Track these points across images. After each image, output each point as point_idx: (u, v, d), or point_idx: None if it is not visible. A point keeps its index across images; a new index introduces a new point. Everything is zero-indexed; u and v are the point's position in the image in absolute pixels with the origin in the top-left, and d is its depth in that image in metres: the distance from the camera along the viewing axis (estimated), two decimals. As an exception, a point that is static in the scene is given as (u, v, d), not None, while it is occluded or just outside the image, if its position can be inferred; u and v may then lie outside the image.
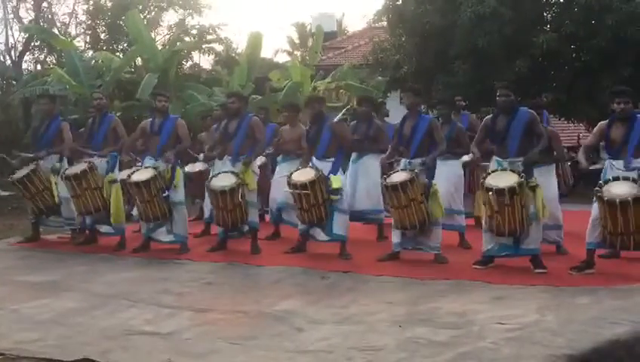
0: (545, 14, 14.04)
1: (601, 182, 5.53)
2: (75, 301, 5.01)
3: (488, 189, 5.61)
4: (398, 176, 6.19)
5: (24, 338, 4.11)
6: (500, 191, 5.55)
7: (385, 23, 18.28)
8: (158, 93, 7.36)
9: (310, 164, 6.65)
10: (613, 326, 4.02)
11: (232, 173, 6.68)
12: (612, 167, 5.63)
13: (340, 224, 6.50)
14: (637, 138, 5.55)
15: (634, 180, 5.36)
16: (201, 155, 8.32)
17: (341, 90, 14.60)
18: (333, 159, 6.63)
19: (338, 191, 6.43)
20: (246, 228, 6.93)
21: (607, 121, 5.78)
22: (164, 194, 6.69)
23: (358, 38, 23.80)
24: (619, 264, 5.98)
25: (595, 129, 5.93)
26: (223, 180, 6.62)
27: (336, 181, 6.46)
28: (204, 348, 3.89)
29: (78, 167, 6.99)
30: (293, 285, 5.55)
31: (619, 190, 5.33)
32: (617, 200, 5.21)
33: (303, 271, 5.99)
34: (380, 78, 15.25)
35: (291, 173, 6.51)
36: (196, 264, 6.36)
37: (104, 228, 7.26)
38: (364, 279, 5.68)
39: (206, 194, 7.17)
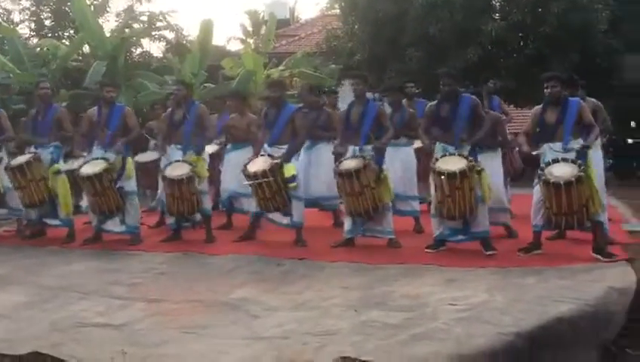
0: (493, 3, 14.29)
1: (542, 165, 5.70)
2: (23, 294, 4.89)
3: (440, 173, 5.71)
4: (351, 163, 6.23)
5: (-30, 334, 4.00)
6: (451, 175, 5.66)
7: (338, 11, 18.29)
8: (106, 84, 7.21)
9: (262, 152, 6.63)
10: (558, 304, 4.16)
11: (186, 161, 6.61)
12: (550, 149, 5.79)
13: (296, 211, 6.52)
14: (572, 120, 5.74)
15: (572, 161, 5.55)
16: (152, 143, 8.21)
17: (295, 78, 14.55)
18: (285, 146, 6.61)
19: (293, 178, 6.45)
20: (199, 217, 6.87)
21: (540, 106, 5.95)
22: (116, 186, 6.57)
23: (311, 25, 23.72)
24: (564, 245, 6.19)
25: (531, 114, 6.11)
26: (177, 169, 6.54)
27: (289, 169, 6.47)
28: (157, 338, 3.86)
29: (22, 158, 6.78)
30: (249, 273, 5.54)
31: (560, 171, 5.50)
32: (561, 182, 5.38)
33: (258, 258, 5.99)
34: (333, 65, 15.24)
35: (245, 165, 6.47)
36: (149, 254, 6.28)
37: (52, 221, 7.07)
38: (319, 265, 5.72)
39: (159, 184, 7.08)
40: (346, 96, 9.84)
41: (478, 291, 4.64)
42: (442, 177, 5.68)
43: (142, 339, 3.85)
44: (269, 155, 6.49)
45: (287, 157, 6.51)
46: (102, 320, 4.24)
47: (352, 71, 14.18)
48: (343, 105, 8.45)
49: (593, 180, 5.63)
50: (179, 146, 6.79)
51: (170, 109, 7.08)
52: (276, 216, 6.67)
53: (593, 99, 6.78)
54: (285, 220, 6.62)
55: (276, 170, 6.31)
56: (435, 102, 6.27)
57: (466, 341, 3.55)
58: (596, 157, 6.32)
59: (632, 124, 12.85)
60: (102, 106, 6.86)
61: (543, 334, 3.77)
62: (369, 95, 8.69)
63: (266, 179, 6.26)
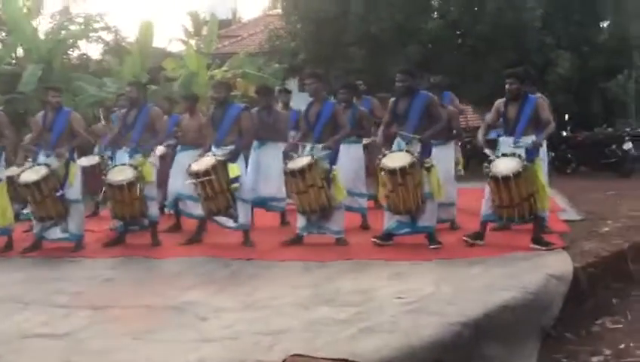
0: (431, 2, 14.59)
1: (490, 158, 5.87)
2: (-41, 307, 4.68)
3: (382, 169, 5.81)
4: (298, 162, 6.25)
5: None
6: (392, 171, 5.76)
7: (280, 11, 18.26)
8: (50, 88, 7.02)
9: (208, 153, 6.57)
10: (502, 292, 4.29)
11: (130, 165, 6.48)
12: (505, 143, 5.96)
13: (242, 213, 6.48)
14: (526, 117, 5.91)
15: (520, 156, 5.72)
16: (96, 148, 8.02)
17: (238, 79, 14.45)
18: (231, 147, 6.56)
19: (237, 179, 6.40)
20: (146, 221, 6.75)
21: (503, 99, 6.12)
22: (57, 194, 6.38)
23: (254, 26, 23.58)
24: (506, 234, 6.37)
25: (494, 107, 6.24)
26: (120, 174, 6.40)
27: (233, 169, 6.41)
28: (104, 346, 3.77)
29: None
30: (197, 275, 5.48)
31: (503, 166, 5.68)
32: (499, 176, 5.55)
33: (206, 260, 5.94)
34: (277, 65, 15.23)
35: (190, 165, 6.39)
36: (93, 261, 6.14)
37: None
38: (268, 265, 5.71)
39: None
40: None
41: (425, 283, 4.73)
42: (382, 173, 5.78)
43: (87, 348, 3.76)
44: (214, 155, 6.43)
45: (233, 158, 6.45)
46: (45, 331, 4.11)
47: (296, 72, 14.29)
48: (295, 105, 8.49)
49: (540, 176, 5.81)
50: (127, 149, 6.67)
51: (124, 111, 6.95)
52: (222, 219, 6.62)
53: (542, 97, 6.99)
54: (231, 223, 6.57)
55: (219, 168, 6.25)
56: (394, 99, 6.33)
57: (414, 332, 3.62)
58: (542, 153, 6.55)
59: (566, 117, 13.35)
60: (47, 111, 6.66)
61: (488, 322, 3.88)
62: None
63: (207, 178, 6.19)
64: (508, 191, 5.63)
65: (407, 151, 5.93)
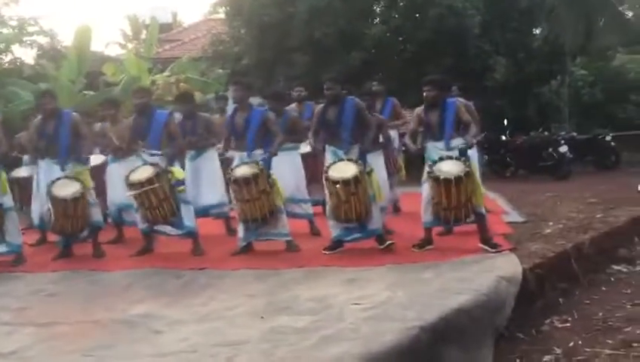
0: (374, 8, 14.78)
1: (429, 163, 5.97)
2: None
3: (335, 182, 5.80)
4: (245, 169, 6.17)
5: None
6: (346, 182, 5.77)
7: (222, 15, 18.10)
8: None
9: (140, 161, 6.41)
10: (456, 295, 4.36)
11: (73, 178, 6.28)
12: (434, 148, 6.07)
13: (188, 216, 6.37)
14: (451, 121, 6.06)
15: (457, 158, 5.87)
16: (26, 158, 7.69)
17: (181, 84, 14.20)
18: (162, 152, 6.41)
19: (182, 182, 6.32)
20: (86, 232, 6.51)
21: (422, 107, 6.24)
22: None
23: (195, 30, 23.28)
24: (453, 238, 6.48)
25: (413, 115, 6.39)
26: (66, 187, 6.16)
27: (178, 172, 6.33)
28: (54, 365, 3.61)
29: None
30: (146, 287, 5.33)
31: (449, 168, 5.80)
32: (452, 177, 5.66)
33: (155, 272, 5.78)
34: (220, 70, 15.07)
35: (127, 175, 6.22)
36: (35, 275, 5.88)
37: None
38: (220, 274, 5.61)
39: (33, 200, 6.66)
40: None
41: (380, 289, 4.75)
42: (337, 186, 5.78)
43: (36, 368, 3.59)
44: (150, 163, 6.28)
45: (169, 162, 6.38)
46: (-13, 351, 3.90)
47: (237, 77, 14.14)
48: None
49: (474, 175, 5.98)
50: (54, 160, 6.39)
51: (38, 120, 6.65)
52: (166, 228, 6.47)
53: (464, 100, 7.19)
54: (176, 231, 6.43)
55: (162, 175, 6.13)
56: (321, 106, 6.38)
57: (374, 339, 3.63)
58: (473, 154, 6.75)
59: (505, 121, 13.78)
60: None
61: (445, 326, 3.93)
62: (256, 100, 8.68)
63: (151, 186, 6.05)
64: (458, 192, 5.74)
65: (348, 159, 5.98)
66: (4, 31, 15.79)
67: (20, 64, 16.00)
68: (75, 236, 6.45)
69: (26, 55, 18.78)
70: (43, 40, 16.70)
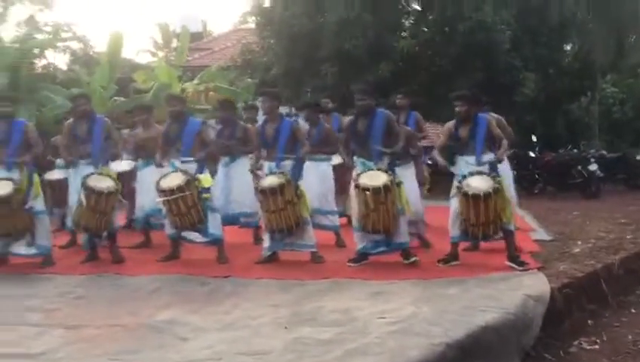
0: (403, 21, 14.78)
1: (459, 177, 5.94)
2: None
3: (365, 189, 5.80)
4: (272, 180, 6.21)
5: None
6: (376, 190, 5.76)
7: (251, 25, 18.28)
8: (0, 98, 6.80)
9: (171, 168, 6.48)
10: (483, 313, 4.31)
11: (107, 175, 6.44)
12: (466, 163, 6.05)
13: (214, 224, 6.41)
14: (482, 136, 6.05)
15: (487, 174, 5.84)
16: (58, 160, 7.82)
17: (210, 92, 14.34)
18: (196, 159, 6.49)
19: (209, 189, 6.36)
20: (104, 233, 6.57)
21: (453, 121, 6.23)
22: (25, 206, 6.20)
23: (225, 39, 23.57)
24: (480, 255, 6.42)
25: (444, 129, 6.39)
26: (101, 181, 6.29)
27: (206, 180, 6.38)
28: (81, 367, 3.65)
29: None
30: (172, 294, 5.37)
31: (478, 184, 5.77)
32: (481, 193, 5.62)
33: (181, 278, 5.83)
34: (249, 80, 15.20)
35: (158, 182, 6.30)
36: (63, 277, 5.96)
37: None
38: (245, 283, 5.63)
39: (70, 203, 6.77)
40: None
41: (405, 303, 4.73)
42: (367, 193, 5.77)
43: (64, 369, 3.63)
44: (180, 170, 6.34)
45: (199, 169, 6.44)
46: (18, 351, 3.96)
47: (266, 87, 14.24)
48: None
49: (504, 191, 5.93)
50: (87, 161, 6.51)
51: (70, 122, 6.78)
52: (193, 235, 6.52)
53: (496, 115, 7.16)
54: (202, 238, 6.48)
55: (192, 183, 6.21)
56: (351, 117, 6.39)
57: (400, 354, 3.60)
58: (505, 169, 6.69)
59: (534, 138, 13.63)
60: (0, 122, 6.44)
61: (471, 343, 3.89)
62: (285, 109, 8.74)
63: (182, 194, 6.13)
64: (486, 208, 5.70)
65: (378, 169, 5.98)
66: (39, 36, 16.14)
67: (54, 69, 16.33)
68: (98, 235, 6.50)
69: (60, 60, 19.22)
70: (76, 46, 17.06)
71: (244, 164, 7.35)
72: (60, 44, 16.26)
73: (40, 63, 16.32)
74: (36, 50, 15.16)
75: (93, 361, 3.77)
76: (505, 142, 6.11)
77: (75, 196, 6.44)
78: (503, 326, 4.19)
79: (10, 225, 6.19)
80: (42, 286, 5.63)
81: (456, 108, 6.15)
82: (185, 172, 6.29)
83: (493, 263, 5.96)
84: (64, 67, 17.23)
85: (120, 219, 8.14)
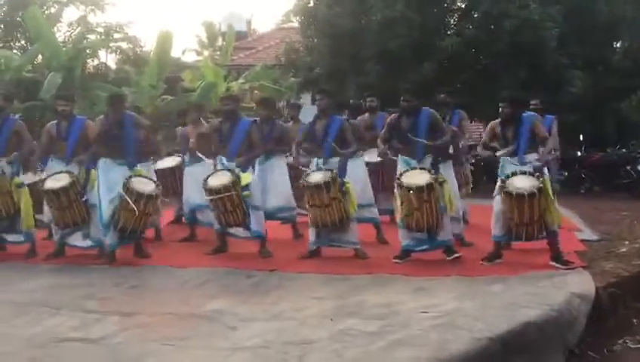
0: (448, 19, 14.71)
1: (502, 177, 5.95)
2: (-10, 311, 4.78)
3: (408, 188, 5.87)
4: (319, 176, 6.34)
5: (-59, 352, 3.90)
6: (419, 189, 5.83)
7: (295, 24, 18.45)
8: (59, 97, 7.11)
9: (220, 165, 6.65)
10: (526, 309, 4.35)
11: (147, 177, 6.64)
12: (509, 162, 6.06)
13: (256, 221, 6.56)
14: (525, 136, 6.05)
15: (530, 173, 5.84)
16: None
17: (255, 91, 14.60)
18: (239, 160, 6.65)
19: (248, 186, 6.50)
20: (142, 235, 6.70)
21: (498, 120, 6.27)
22: (83, 199, 6.49)
23: (269, 38, 23.85)
24: (524, 253, 6.39)
25: (488, 128, 6.42)
26: (144, 184, 6.44)
27: (245, 177, 6.52)
28: (138, 351, 3.85)
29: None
30: (220, 285, 5.56)
31: (522, 183, 5.77)
32: (525, 193, 5.63)
33: (228, 271, 6.02)
34: (292, 78, 15.38)
35: (205, 180, 6.48)
36: (116, 268, 6.21)
37: (12, 237, 6.91)
38: (289, 276, 5.78)
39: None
40: (304, 108, 9.93)
41: (447, 299, 4.79)
42: (411, 192, 5.84)
43: (122, 353, 3.84)
44: (227, 169, 6.52)
45: (244, 168, 6.59)
46: (78, 335, 4.19)
47: (311, 85, 14.40)
48: (303, 118, 8.61)
49: (548, 191, 5.91)
50: (119, 161, 6.57)
51: (101, 119, 6.80)
52: (237, 231, 6.70)
53: (551, 116, 7.11)
54: (246, 233, 6.65)
55: (237, 183, 6.37)
56: (395, 115, 6.46)
57: (442, 346, 3.68)
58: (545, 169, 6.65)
59: (581, 137, 13.39)
60: (60, 120, 6.75)
61: (514, 339, 3.94)
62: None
63: (228, 193, 6.30)
64: (530, 208, 5.70)
65: (421, 168, 6.04)
66: (91, 37, 16.72)
67: (105, 68, 16.88)
68: (134, 235, 6.53)
69: (110, 60, 19.86)
70: (126, 46, 17.57)
71: (278, 162, 7.52)
72: (111, 44, 16.79)
73: (92, 63, 16.93)
74: (89, 51, 15.74)
75: (148, 346, 3.96)
76: (549, 143, 6.09)
77: (109, 194, 6.43)
78: (547, 323, 4.21)
79: (68, 216, 6.48)
80: (97, 276, 5.90)
81: (501, 109, 6.19)
82: (231, 171, 6.47)
83: (536, 262, 5.96)
84: (114, 66, 17.80)
85: (168, 215, 8.48)
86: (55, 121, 6.83)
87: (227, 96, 7.62)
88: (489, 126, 6.40)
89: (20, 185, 6.76)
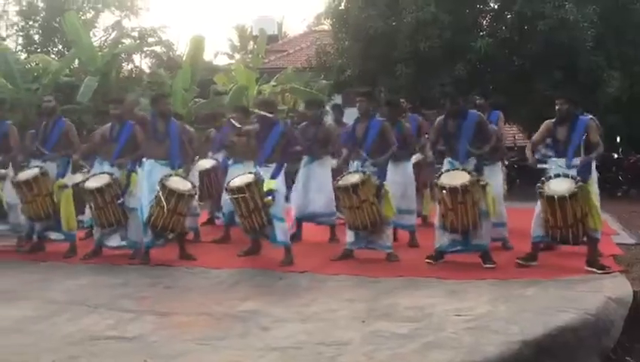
0: (481, 20, 14.57)
1: (543, 178, 5.87)
2: (31, 309, 4.90)
3: (442, 188, 5.85)
4: (350, 178, 6.35)
5: (-16, 347, 4.02)
6: (453, 190, 5.80)
7: (326, 27, 18.49)
8: (111, 100, 7.27)
9: (254, 170, 6.70)
10: (561, 313, 4.30)
11: (184, 177, 6.69)
12: (557, 165, 5.97)
13: (280, 232, 6.45)
14: (578, 139, 5.92)
15: (572, 177, 5.73)
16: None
17: (286, 94, 14.69)
18: (274, 165, 6.61)
19: (271, 193, 6.35)
20: (171, 234, 6.70)
21: (554, 119, 6.12)
22: (118, 201, 6.62)
23: (299, 41, 23.97)
24: (558, 257, 6.32)
25: (542, 126, 6.25)
26: (181, 183, 6.53)
27: (269, 183, 6.42)
28: (174, 350, 3.92)
29: (30, 173, 6.81)
30: (253, 286, 5.62)
31: (558, 186, 5.69)
32: (555, 196, 5.56)
33: (260, 272, 6.09)
34: (323, 81, 15.42)
35: (229, 181, 6.54)
36: (153, 268, 6.32)
37: (54, 235, 7.11)
38: (321, 278, 5.80)
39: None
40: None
41: (481, 302, 4.76)
42: (444, 191, 5.82)
43: (158, 351, 3.90)
44: (252, 173, 6.52)
45: (275, 174, 6.51)
46: (114, 333, 4.28)
47: (342, 88, 14.40)
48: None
49: (592, 196, 5.80)
50: (162, 162, 6.64)
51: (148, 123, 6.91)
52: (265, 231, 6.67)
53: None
54: (270, 241, 6.60)
55: (253, 186, 6.29)
56: (441, 118, 6.40)
57: (476, 349, 3.66)
58: (594, 175, 6.51)
59: (618, 139, 13.12)
60: (114, 123, 6.91)
61: (548, 342, 3.89)
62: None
63: (242, 195, 6.27)
64: (563, 212, 5.63)
65: (463, 169, 5.99)
66: (126, 41, 17.02)
67: (139, 72, 17.17)
68: (164, 233, 6.56)
69: (144, 64, 20.26)
70: (160, 50, 17.86)
71: (323, 163, 7.52)
72: (145, 48, 17.09)
73: (127, 67, 17.24)
74: (124, 55, 16.03)
75: (184, 345, 4.02)
76: (600, 148, 5.93)
77: (149, 196, 6.47)
78: (582, 328, 4.16)
79: (104, 216, 6.62)
80: (133, 276, 6.01)
81: (557, 107, 6.03)
82: (255, 174, 6.45)
83: (572, 266, 5.88)
84: (148, 70, 18.10)
85: (203, 216, 8.59)
86: (109, 124, 7.00)
87: (266, 101, 7.47)
88: (544, 124, 6.20)
89: (64, 187, 6.93)
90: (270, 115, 6.70)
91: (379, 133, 6.54)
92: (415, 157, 7.62)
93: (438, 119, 6.46)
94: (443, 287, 5.31)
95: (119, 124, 6.88)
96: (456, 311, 4.53)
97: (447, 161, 6.24)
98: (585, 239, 5.83)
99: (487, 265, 6.00)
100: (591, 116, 6.44)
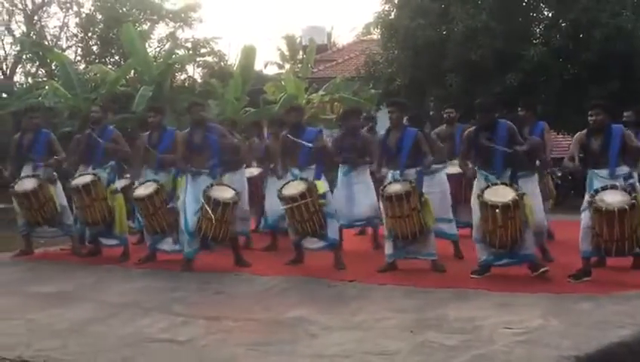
0: (534, 29, 14.33)
1: (591, 192, 5.73)
2: (88, 310, 5.09)
3: (494, 206, 5.75)
4: (398, 187, 6.32)
5: (45, 347, 4.19)
6: (506, 207, 5.71)
7: (375, 36, 18.49)
8: (149, 109, 7.49)
9: (291, 176, 6.76)
10: (617, 329, 4.19)
11: (229, 186, 6.83)
12: (597, 176, 5.83)
13: (332, 229, 6.60)
14: (617, 147, 5.80)
15: (622, 188, 5.59)
16: None
17: (335, 103, 14.77)
18: (313, 166, 6.73)
19: (325, 195, 6.57)
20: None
21: (584, 131, 6.01)
22: (168, 206, 6.79)
23: (348, 50, 24.04)
24: (611, 271, 6.14)
25: (574, 139, 6.17)
26: (224, 192, 6.63)
27: (320, 186, 6.56)
28: (223, 355, 3.99)
29: (87, 178, 7.06)
30: (301, 294, 5.67)
31: (613, 198, 5.53)
32: (615, 209, 5.40)
33: (308, 280, 6.13)
34: (372, 90, 15.42)
35: (280, 190, 6.59)
36: (203, 274, 6.44)
37: (108, 241, 7.34)
38: (369, 288, 5.80)
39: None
40: (386, 120, 9.92)
41: (533, 316, 4.67)
42: (497, 210, 5.71)
43: (209, 356, 3.99)
44: (301, 179, 6.61)
45: (317, 176, 6.66)
46: (166, 336, 4.39)
47: (391, 97, 14.36)
48: (380, 130, 8.60)
49: None
50: (203, 172, 6.71)
51: (185, 132, 6.99)
52: (312, 242, 6.74)
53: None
54: (320, 243, 6.69)
55: (313, 190, 6.45)
56: (472, 129, 6.34)
57: (527, 363, 3.60)
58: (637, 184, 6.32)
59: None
60: (152, 131, 7.10)
61: (603, 358, 3.79)
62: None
63: (304, 201, 6.38)
64: (620, 225, 5.46)
65: (503, 183, 5.90)
66: (180, 52, 17.48)
67: (192, 82, 17.57)
68: (215, 243, 6.68)
69: (197, 74, 20.79)
70: (212, 60, 18.25)
71: (362, 172, 7.52)
72: (198, 58, 17.49)
73: (180, 77, 17.68)
74: (177, 65, 16.45)
75: (233, 350, 4.10)
76: None
77: (194, 205, 6.56)
78: (638, 343, 4.03)
79: (155, 222, 6.80)
80: (185, 281, 6.15)
81: (590, 118, 5.94)
82: (305, 180, 6.56)
83: (628, 280, 5.72)
84: (200, 80, 18.51)
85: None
86: (147, 133, 7.19)
87: (292, 109, 7.53)
88: (576, 137, 6.15)
89: (115, 192, 7.17)
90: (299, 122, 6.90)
91: (414, 143, 6.51)
92: (452, 167, 7.49)
93: (468, 130, 6.38)
94: (492, 299, 5.23)
95: (157, 131, 7.04)
96: (506, 323, 4.45)
97: (481, 174, 6.13)
98: (637, 250, 5.66)
99: (540, 271, 5.88)
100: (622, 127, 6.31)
